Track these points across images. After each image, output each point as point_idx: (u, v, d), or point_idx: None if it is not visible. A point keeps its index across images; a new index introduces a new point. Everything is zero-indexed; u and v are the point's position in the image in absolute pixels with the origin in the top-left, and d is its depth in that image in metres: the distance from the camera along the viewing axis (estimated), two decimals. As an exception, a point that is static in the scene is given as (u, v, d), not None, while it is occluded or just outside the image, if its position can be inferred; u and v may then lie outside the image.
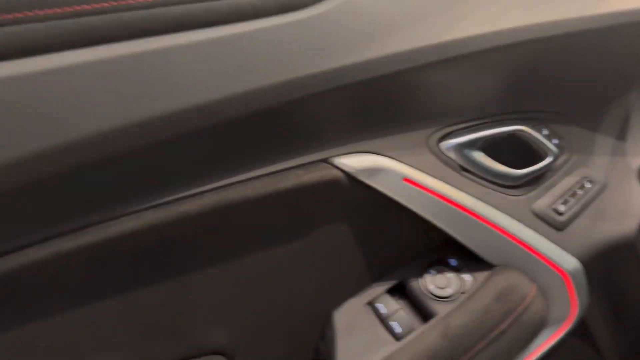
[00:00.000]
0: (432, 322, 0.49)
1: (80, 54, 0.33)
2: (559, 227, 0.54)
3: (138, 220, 0.38)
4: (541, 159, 0.55)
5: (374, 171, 0.47)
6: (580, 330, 0.60)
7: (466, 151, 0.51)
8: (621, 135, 0.64)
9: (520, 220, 0.52)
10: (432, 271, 0.54)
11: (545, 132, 0.57)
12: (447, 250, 0.55)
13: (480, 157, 0.52)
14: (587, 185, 0.58)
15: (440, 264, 0.55)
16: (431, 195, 0.49)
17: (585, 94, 0.60)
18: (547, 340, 0.55)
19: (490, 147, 0.54)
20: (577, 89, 0.59)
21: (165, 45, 0.35)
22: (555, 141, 0.58)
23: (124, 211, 0.38)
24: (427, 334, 0.48)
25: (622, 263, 0.58)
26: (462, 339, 0.48)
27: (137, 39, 0.35)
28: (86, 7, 0.33)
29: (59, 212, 0.37)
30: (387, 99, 0.47)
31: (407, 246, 0.55)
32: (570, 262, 0.53)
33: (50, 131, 0.32)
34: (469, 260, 0.54)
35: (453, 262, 0.55)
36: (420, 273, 0.54)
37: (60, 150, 0.33)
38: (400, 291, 0.55)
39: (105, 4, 0.34)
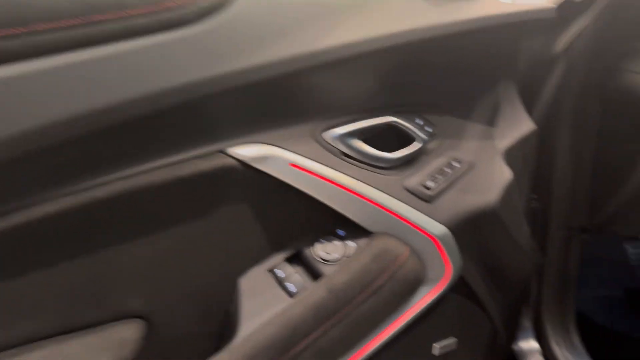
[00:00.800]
0: (319, 280, 0.58)
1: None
2: (428, 200, 0.63)
3: (54, 205, 0.46)
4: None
5: (264, 159, 0.55)
6: (461, 287, 0.70)
7: (347, 140, 0.60)
8: (491, 121, 0.75)
9: (393, 196, 0.61)
10: (323, 240, 0.62)
11: (419, 121, 0.68)
12: (335, 223, 0.63)
13: (358, 144, 0.61)
14: (456, 165, 0.68)
15: (329, 234, 0.63)
16: (315, 177, 0.57)
17: (455, 87, 0.70)
18: (426, 295, 0.64)
19: (371, 135, 0.63)
20: (447, 84, 0.69)
21: (76, 59, 0.43)
22: (428, 128, 0.68)
23: (44, 197, 0.46)
24: (315, 290, 0.56)
25: (487, 229, 0.68)
26: (344, 292, 0.56)
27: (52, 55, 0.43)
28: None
29: None
30: (273, 99, 0.55)
31: (301, 221, 0.62)
32: (438, 229, 0.62)
33: None
34: (353, 230, 0.62)
35: (340, 232, 0.63)
36: (312, 242, 0.62)
37: None
38: (296, 258, 0.63)
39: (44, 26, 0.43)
